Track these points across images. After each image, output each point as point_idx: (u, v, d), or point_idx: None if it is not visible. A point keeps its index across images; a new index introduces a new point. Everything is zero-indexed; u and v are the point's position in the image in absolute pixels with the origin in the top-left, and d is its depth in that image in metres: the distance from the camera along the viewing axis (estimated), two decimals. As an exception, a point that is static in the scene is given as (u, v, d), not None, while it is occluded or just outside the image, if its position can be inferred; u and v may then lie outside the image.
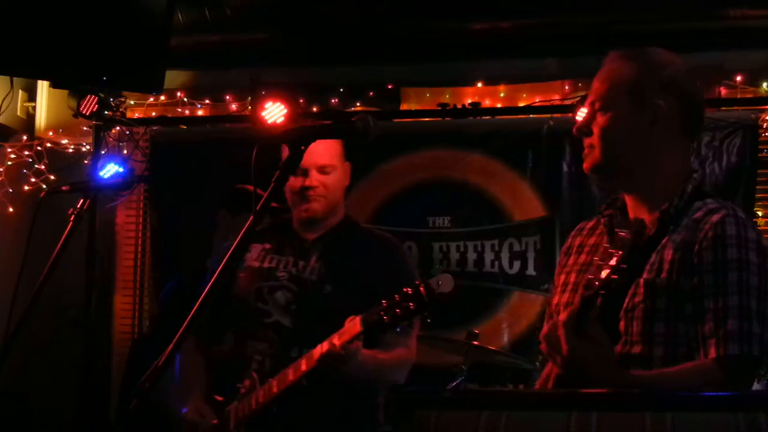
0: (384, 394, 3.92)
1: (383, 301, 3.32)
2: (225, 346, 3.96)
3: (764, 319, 2.51)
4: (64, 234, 3.81)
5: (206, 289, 3.28)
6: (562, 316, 2.39)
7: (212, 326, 3.95)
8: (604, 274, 2.33)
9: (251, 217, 3.32)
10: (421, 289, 3.29)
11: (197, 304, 3.29)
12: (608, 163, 2.69)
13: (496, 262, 6.55)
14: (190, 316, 3.28)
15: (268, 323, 3.75)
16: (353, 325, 3.38)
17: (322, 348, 3.43)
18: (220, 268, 3.31)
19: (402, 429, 1.96)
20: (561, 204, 6.44)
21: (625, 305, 2.57)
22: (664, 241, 2.62)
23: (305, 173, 3.81)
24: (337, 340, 3.40)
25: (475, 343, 5.33)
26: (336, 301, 3.50)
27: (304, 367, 3.50)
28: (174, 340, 3.27)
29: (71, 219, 3.84)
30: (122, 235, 7.26)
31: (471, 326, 5.76)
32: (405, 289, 3.30)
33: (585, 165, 2.75)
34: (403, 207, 6.70)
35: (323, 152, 3.83)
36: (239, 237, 3.31)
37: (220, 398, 3.76)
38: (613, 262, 2.31)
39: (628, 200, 2.78)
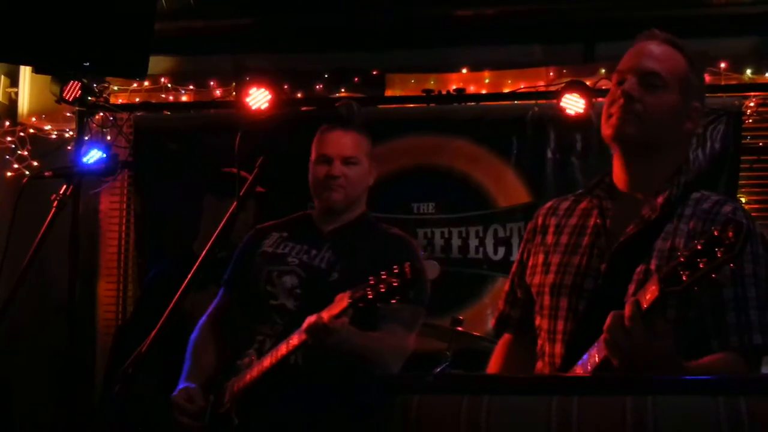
0: None
1: (370, 278, 3.36)
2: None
3: None
4: (47, 220, 3.80)
5: (189, 276, 3.29)
6: (629, 313, 2.34)
7: (228, 312, 4.05)
8: (692, 273, 2.26)
9: (234, 203, 3.33)
10: (407, 268, 3.31)
11: (180, 290, 3.30)
12: (645, 138, 2.71)
13: (481, 249, 6.55)
14: (173, 302, 3.29)
15: (273, 305, 3.80)
16: (341, 299, 3.43)
17: (310, 320, 3.47)
18: (203, 255, 3.32)
19: (384, 413, 1.96)
20: (545, 190, 6.44)
21: (631, 290, 2.57)
22: (669, 228, 2.64)
23: (330, 162, 3.89)
24: (325, 313, 3.45)
25: (460, 329, 5.34)
26: (341, 288, 3.48)
27: (294, 341, 3.54)
28: (157, 326, 3.27)
29: (54, 205, 3.82)
30: (106, 221, 7.25)
31: (455, 312, 5.77)
32: (394, 268, 3.33)
33: (616, 128, 2.73)
34: (388, 193, 6.65)
35: (350, 144, 3.91)
36: (222, 223, 3.32)
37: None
38: (707, 264, 2.25)
39: (625, 179, 2.79)
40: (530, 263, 2.92)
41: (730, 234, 2.17)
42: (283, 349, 3.59)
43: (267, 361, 3.64)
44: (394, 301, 3.39)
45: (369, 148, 4.03)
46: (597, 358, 2.47)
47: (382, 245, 3.89)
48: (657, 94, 2.71)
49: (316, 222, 4.01)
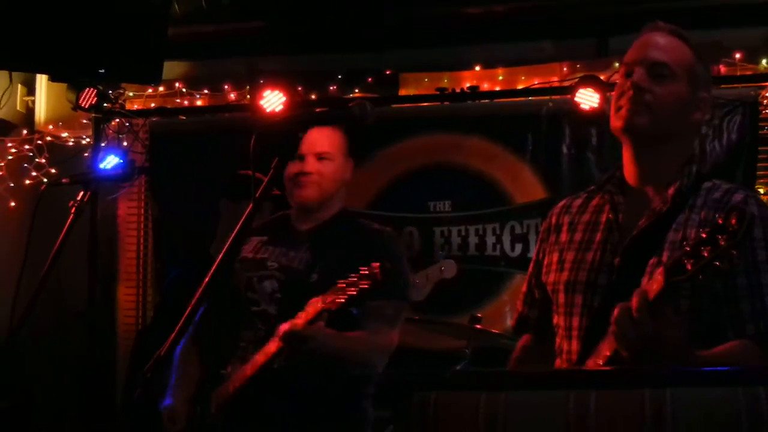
0: (374, 383, 3.89)
1: (339, 282, 3.32)
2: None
3: None
4: (66, 227, 3.82)
5: (206, 279, 3.31)
6: (634, 303, 2.35)
7: (210, 320, 3.94)
8: (696, 262, 2.27)
9: (250, 205, 3.34)
10: (376, 269, 3.28)
11: (197, 294, 3.31)
12: (655, 130, 2.72)
13: (498, 246, 6.55)
14: (190, 306, 3.30)
15: (255, 312, 3.76)
16: (314, 305, 3.39)
17: (284, 327, 3.44)
18: (219, 259, 3.33)
19: (401, 411, 1.97)
20: (561, 185, 6.43)
21: (645, 282, 2.55)
22: (680, 219, 2.64)
23: (302, 159, 3.82)
24: (299, 320, 3.41)
25: (478, 326, 5.33)
26: (321, 290, 3.43)
27: (272, 348, 3.51)
28: (176, 330, 3.29)
29: (72, 211, 3.84)
30: (124, 226, 7.27)
31: (474, 310, 5.75)
32: (362, 270, 3.30)
33: (625, 120, 2.73)
34: (404, 192, 6.70)
35: (323, 140, 3.84)
36: (239, 225, 3.33)
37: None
38: (695, 262, 2.26)
39: (635, 172, 2.80)
40: (545, 262, 2.93)
41: (733, 221, 2.18)
42: (261, 357, 3.55)
43: (248, 370, 3.60)
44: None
45: (345, 144, 3.96)
46: (607, 351, 2.48)
47: (361, 242, 3.82)
48: (665, 84, 2.72)
49: (293, 222, 3.96)
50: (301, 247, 3.84)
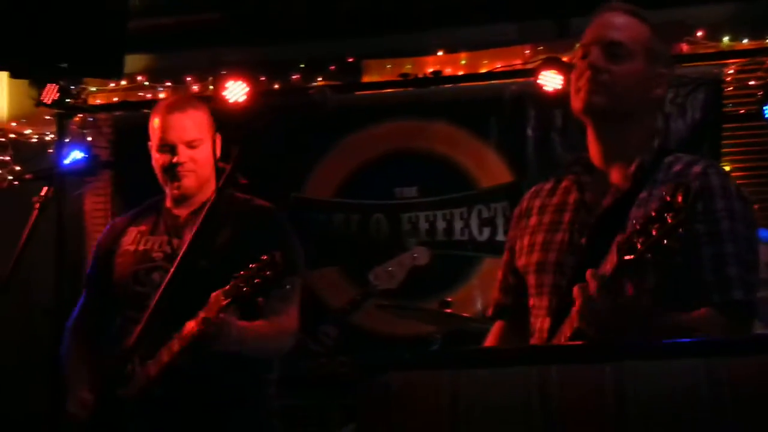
0: (275, 369, 3.86)
1: (241, 272, 3.27)
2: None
3: (755, 266, 2.62)
4: (30, 223, 3.81)
5: (170, 272, 3.30)
6: (592, 284, 2.36)
7: (95, 313, 3.91)
8: (645, 240, 2.27)
9: (214, 195, 3.34)
10: (277, 258, 3.24)
11: (162, 286, 3.30)
12: (614, 108, 2.74)
13: (466, 230, 6.57)
14: (155, 299, 3.30)
15: (147, 305, 3.57)
16: (217, 299, 3.31)
17: (192, 328, 3.36)
18: (184, 249, 3.32)
19: (366, 393, 1.97)
20: (527, 168, 6.46)
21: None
22: (643, 195, 2.66)
23: (173, 150, 3.75)
24: (203, 315, 3.33)
25: (448, 311, 5.34)
26: (213, 276, 3.36)
27: (176, 348, 3.41)
28: (141, 324, 3.29)
29: (36, 207, 3.83)
30: (90, 222, 7.24)
31: (444, 295, 5.76)
32: (263, 257, 3.25)
33: (585, 101, 2.75)
34: (370, 179, 6.70)
35: (190, 127, 3.76)
36: (202, 216, 3.32)
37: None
38: (659, 230, 2.27)
39: (599, 151, 2.82)
40: (517, 247, 2.95)
41: (679, 198, 2.20)
42: (164, 356, 3.45)
43: (152, 370, 3.48)
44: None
45: (210, 122, 3.86)
46: (570, 329, 2.49)
47: (246, 221, 3.74)
48: (622, 63, 2.74)
49: (170, 210, 3.87)
50: (183, 233, 3.76)
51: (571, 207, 2.83)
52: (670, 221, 2.20)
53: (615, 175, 2.77)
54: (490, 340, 3.12)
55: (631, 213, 2.63)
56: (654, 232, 2.22)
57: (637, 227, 2.26)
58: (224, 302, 3.29)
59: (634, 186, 2.69)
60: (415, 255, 5.19)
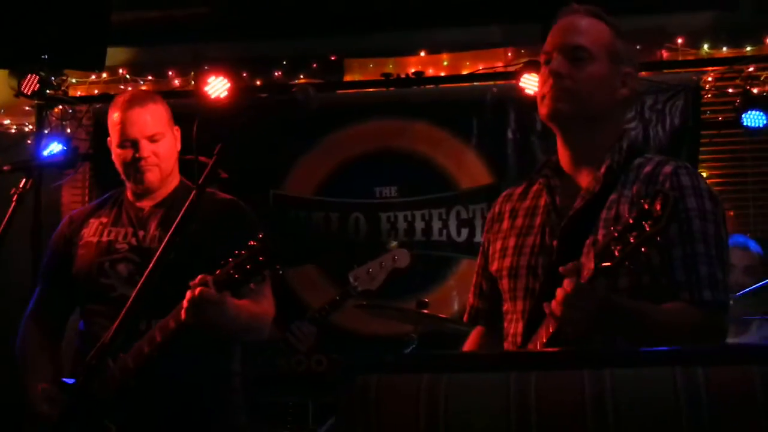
0: (239, 362, 3.85)
1: (230, 259, 3.25)
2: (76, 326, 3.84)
3: (725, 265, 2.63)
4: (7, 214, 3.79)
5: (151, 264, 3.29)
6: (567, 286, 2.38)
7: (52, 306, 3.89)
8: (623, 248, 2.29)
9: (194, 191, 3.33)
10: (266, 242, 3.23)
11: (142, 280, 3.29)
12: (578, 113, 2.74)
13: (444, 231, 6.57)
14: (134, 292, 3.29)
15: (113, 297, 3.63)
16: (207, 284, 3.26)
17: (174, 321, 3.34)
18: (165, 242, 3.31)
19: (343, 395, 1.97)
20: (507, 170, 6.48)
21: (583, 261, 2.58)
22: (613, 196, 2.67)
23: (135, 145, 3.73)
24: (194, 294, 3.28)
25: (425, 311, 5.34)
26: (180, 267, 3.32)
27: (158, 338, 3.40)
28: (119, 317, 3.28)
29: (14, 199, 3.81)
30: (68, 214, 7.20)
31: (421, 295, 5.78)
32: (250, 243, 3.24)
33: (550, 107, 2.75)
34: (350, 178, 6.70)
35: (150, 121, 3.75)
36: (183, 210, 3.32)
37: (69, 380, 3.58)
38: (637, 238, 2.28)
39: (569, 154, 2.82)
40: (490, 252, 2.97)
41: (658, 206, 2.22)
42: (145, 347, 3.42)
43: (130, 363, 3.44)
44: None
45: (169, 114, 3.85)
46: (547, 334, 2.52)
47: (212, 213, 3.70)
48: (585, 66, 2.74)
49: (133, 202, 3.85)
50: (148, 225, 3.77)
51: (541, 210, 2.84)
52: (648, 229, 2.23)
53: (584, 178, 2.78)
54: (468, 345, 3.12)
55: (602, 215, 2.66)
56: (632, 240, 2.24)
57: (615, 234, 2.28)
58: (214, 290, 3.26)
59: (604, 188, 2.71)
60: (396, 257, 5.20)
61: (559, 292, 2.40)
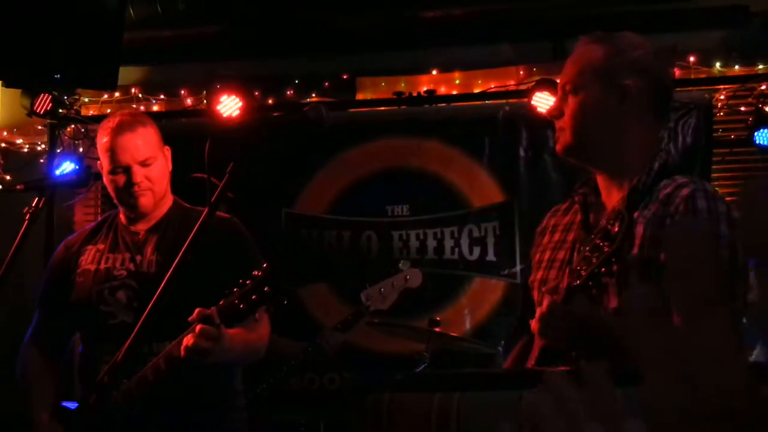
0: (242, 381, 3.86)
1: (235, 289, 3.23)
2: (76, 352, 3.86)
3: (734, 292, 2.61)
4: (20, 233, 3.79)
5: (161, 287, 3.29)
6: (545, 304, 2.47)
7: (52, 331, 3.89)
8: (587, 268, 2.37)
9: (206, 209, 3.33)
10: (272, 270, 3.22)
11: (152, 300, 3.29)
12: (579, 143, 2.80)
13: (456, 249, 6.56)
14: (145, 312, 3.29)
15: (113, 324, 3.62)
16: (209, 320, 3.25)
17: (180, 348, 3.30)
18: (175, 263, 3.31)
19: (355, 413, 1.97)
20: (519, 189, 6.47)
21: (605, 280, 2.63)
22: (634, 216, 2.67)
23: (127, 171, 3.72)
24: (194, 334, 3.27)
25: (437, 330, 5.34)
26: (179, 291, 3.28)
27: (163, 366, 3.38)
28: (131, 336, 3.28)
29: (27, 218, 3.82)
30: (81, 233, 7.22)
31: (433, 313, 5.78)
32: (255, 273, 3.22)
33: (557, 147, 2.86)
34: (362, 196, 6.70)
35: (142, 147, 3.74)
36: (194, 229, 3.32)
37: (71, 405, 3.61)
38: (597, 258, 2.35)
39: (600, 179, 2.88)
40: (533, 264, 3.03)
41: (615, 229, 2.24)
42: (150, 375, 3.40)
43: (135, 388, 3.41)
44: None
45: (158, 136, 3.85)
46: (536, 349, 2.60)
47: (209, 232, 3.57)
48: (572, 99, 2.81)
49: (127, 226, 3.85)
50: (144, 249, 3.76)
51: (576, 226, 2.89)
52: (606, 250, 2.31)
53: (614, 198, 2.80)
54: (512, 355, 3.14)
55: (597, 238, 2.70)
56: (594, 261, 2.29)
57: (586, 254, 2.33)
58: (218, 321, 3.25)
59: (630, 207, 2.70)
60: (408, 277, 5.20)
61: (537, 311, 2.47)
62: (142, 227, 3.82)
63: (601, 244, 2.34)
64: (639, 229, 2.64)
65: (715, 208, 2.65)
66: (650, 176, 2.75)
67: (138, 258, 3.75)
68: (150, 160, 3.75)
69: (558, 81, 2.90)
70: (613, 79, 2.78)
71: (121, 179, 3.74)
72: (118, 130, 3.75)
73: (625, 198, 2.72)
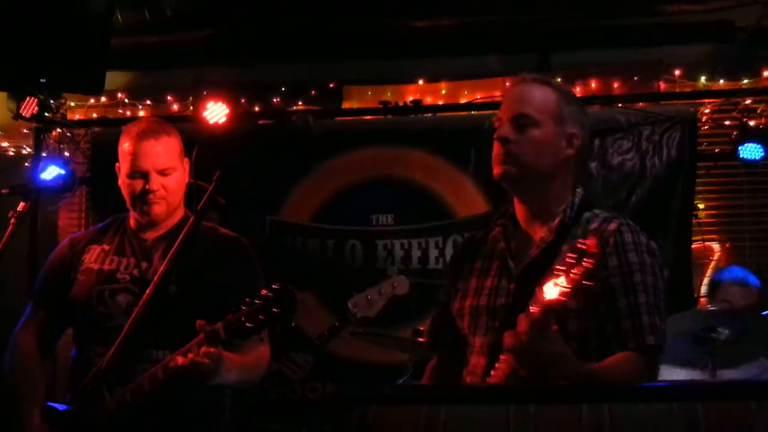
0: (229, 395, 3.84)
1: (243, 307, 3.20)
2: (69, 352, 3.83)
3: (662, 312, 2.87)
4: (5, 238, 3.79)
5: (148, 291, 3.29)
6: (521, 326, 2.56)
7: (44, 326, 3.86)
8: (555, 293, 2.53)
9: (192, 216, 3.33)
10: (282, 292, 3.20)
11: (138, 306, 3.29)
12: (524, 174, 2.96)
13: (441, 259, 6.55)
14: (131, 319, 3.29)
15: (110, 327, 3.58)
16: (214, 333, 3.24)
17: (182, 361, 3.27)
18: (162, 267, 3.31)
19: (342, 426, 1.97)
20: (503, 199, 6.43)
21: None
22: (564, 247, 2.84)
23: (145, 177, 3.71)
24: (196, 350, 3.25)
25: (421, 340, 5.33)
26: (181, 301, 3.34)
27: (160, 377, 3.34)
28: (116, 343, 3.28)
29: (12, 222, 3.81)
30: (64, 237, 7.15)
31: (417, 324, 5.75)
32: (264, 293, 3.19)
33: (498, 170, 2.99)
34: (347, 205, 6.69)
35: (163, 155, 3.72)
36: (181, 235, 3.32)
37: (58, 406, 3.56)
38: (567, 283, 2.52)
39: (524, 209, 3.04)
40: (452, 291, 3.16)
41: (593, 245, 2.53)
42: (146, 384, 3.37)
43: (129, 396, 3.39)
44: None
45: (181, 147, 3.82)
46: (507, 369, 2.67)
47: (215, 248, 3.72)
48: (529, 131, 2.96)
49: (137, 232, 3.83)
50: (151, 257, 3.74)
51: (498, 254, 3.06)
52: (588, 266, 2.48)
53: (538, 231, 2.99)
54: (426, 376, 3.27)
55: (555, 263, 2.77)
56: (575, 276, 2.48)
57: (559, 274, 2.47)
58: (223, 337, 3.23)
59: (557, 239, 2.92)
60: (395, 284, 5.20)
61: (512, 334, 2.59)
62: (151, 235, 3.81)
63: (581, 261, 2.50)
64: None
65: (639, 240, 2.91)
66: (573, 210, 2.97)
67: (143, 264, 3.73)
68: (169, 170, 3.74)
69: (507, 108, 3.01)
70: (564, 125, 2.99)
71: (138, 185, 3.73)
72: (142, 136, 3.74)
73: (554, 229, 2.94)
